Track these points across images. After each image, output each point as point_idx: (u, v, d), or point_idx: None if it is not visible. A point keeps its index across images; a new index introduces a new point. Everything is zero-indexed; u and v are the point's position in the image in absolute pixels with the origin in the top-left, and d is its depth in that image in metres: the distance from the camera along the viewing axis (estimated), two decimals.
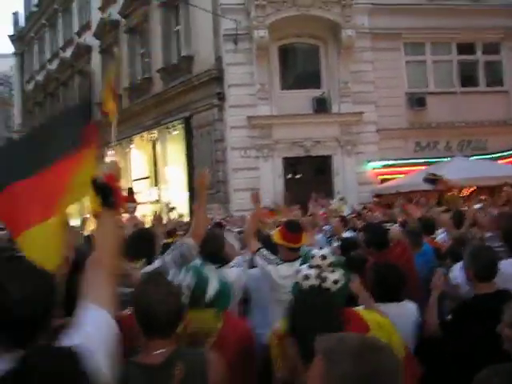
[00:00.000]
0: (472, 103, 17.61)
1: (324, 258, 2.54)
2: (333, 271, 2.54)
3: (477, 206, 8.28)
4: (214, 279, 2.77)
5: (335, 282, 2.53)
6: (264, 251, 4.52)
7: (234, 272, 4.42)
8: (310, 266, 2.55)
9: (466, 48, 18.41)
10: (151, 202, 18.73)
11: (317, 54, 17.28)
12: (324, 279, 2.50)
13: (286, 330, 2.17)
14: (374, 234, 4.82)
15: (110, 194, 1.98)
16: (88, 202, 2.08)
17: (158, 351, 2.27)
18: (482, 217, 6.11)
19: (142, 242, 4.13)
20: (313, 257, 2.57)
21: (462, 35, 17.99)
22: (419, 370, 2.87)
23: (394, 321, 3.53)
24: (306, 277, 2.51)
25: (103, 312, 1.83)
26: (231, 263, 4.47)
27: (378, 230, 5.00)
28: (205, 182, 4.02)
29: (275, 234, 4.49)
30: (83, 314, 1.83)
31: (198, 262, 4.03)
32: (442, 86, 18.10)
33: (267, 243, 4.77)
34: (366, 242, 4.80)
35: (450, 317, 3.44)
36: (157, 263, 4.01)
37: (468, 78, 18.40)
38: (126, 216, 7.14)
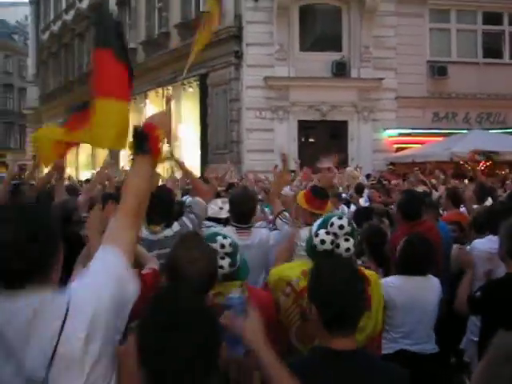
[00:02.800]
0: (494, 75, 17.24)
1: (341, 227, 2.70)
2: (347, 240, 2.70)
3: None
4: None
5: (347, 249, 2.69)
6: (286, 214, 4.47)
7: (264, 232, 4.36)
8: (327, 233, 2.70)
9: (492, 18, 17.93)
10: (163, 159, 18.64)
11: (339, 16, 16.86)
12: (338, 245, 2.69)
13: (310, 295, 2.12)
14: (410, 203, 4.68)
15: (144, 140, 1.97)
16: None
17: None
18: None
19: (162, 204, 3.87)
20: (332, 225, 2.71)
21: (489, 4, 17.50)
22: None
23: (419, 294, 3.46)
24: (323, 241, 2.68)
25: (117, 252, 1.79)
26: (256, 224, 4.39)
27: (414, 200, 4.83)
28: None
29: (299, 197, 4.40)
30: (98, 253, 1.82)
31: (217, 227, 4.01)
32: (464, 56, 17.70)
33: None
34: (399, 209, 4.69)
35: (478, 294, 3.35)
36: (175, 226, 3.94)
37: (492, 49, 17.99)
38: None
